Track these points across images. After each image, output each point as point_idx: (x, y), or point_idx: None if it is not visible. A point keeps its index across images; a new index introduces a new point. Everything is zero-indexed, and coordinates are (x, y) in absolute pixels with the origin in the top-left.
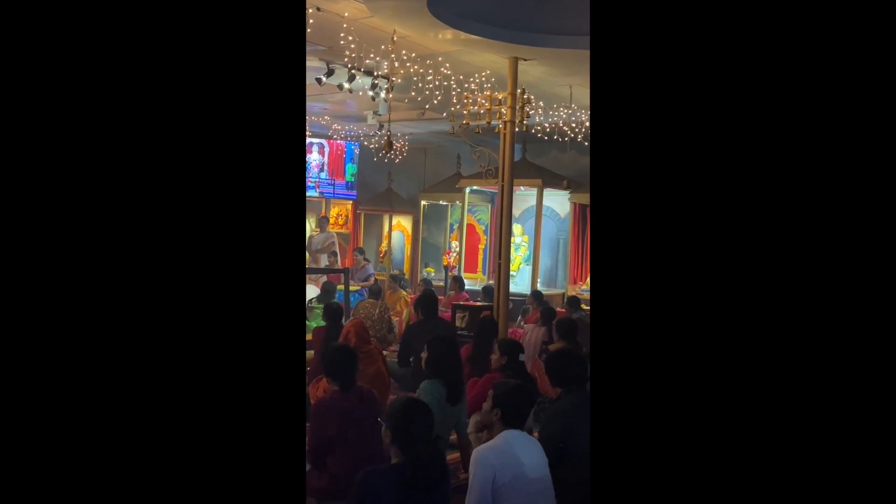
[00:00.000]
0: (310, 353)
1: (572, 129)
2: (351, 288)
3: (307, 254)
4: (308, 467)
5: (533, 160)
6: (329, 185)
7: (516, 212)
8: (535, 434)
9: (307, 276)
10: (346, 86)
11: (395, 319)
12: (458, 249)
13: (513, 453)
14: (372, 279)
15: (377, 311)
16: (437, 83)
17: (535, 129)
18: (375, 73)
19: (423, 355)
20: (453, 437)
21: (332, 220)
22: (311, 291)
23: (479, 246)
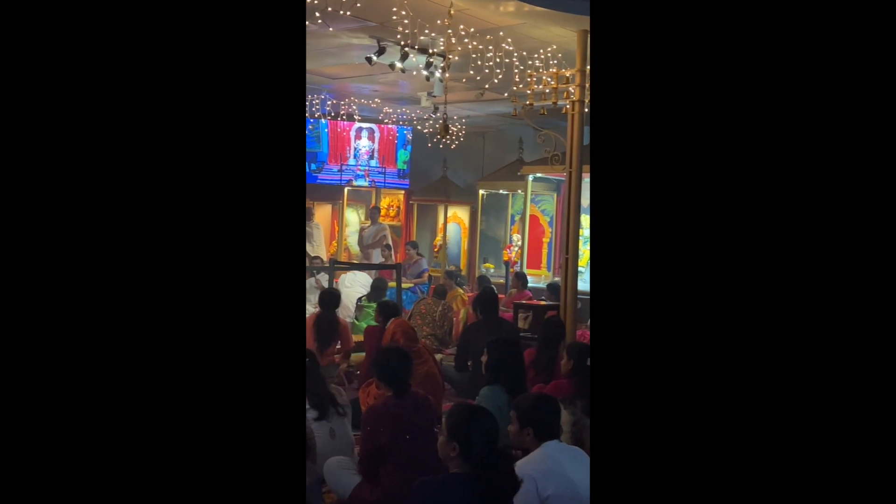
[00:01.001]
0: (360, 356)
1: None
2: (403, 285)
3: (358, 249)
4: (359, 479)
5: None
6: (379, 173)
7: (585, 201)
8: None
9: (358, 272)
10: (399, 65)
11: None
12: (520, 243)
13: (554, 464)
14: (426, 275)
15: (439, 309)
16: (497, 60)
17: None
18: (430, 51)
19: (483, 359)
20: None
21: (382, 212)
22: (364, 289)
23: (544, 239)
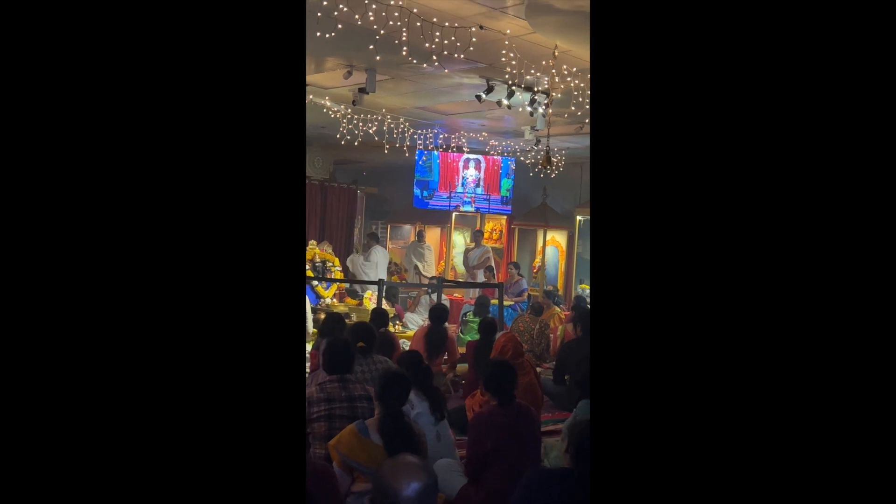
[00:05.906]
0: (463, 367)
1: None
2: (505, 303)
3: (464, 268)
4: (465, 480)
5: None
6: (484, 200)
7: None
8: None
9: (463, 290)
10: (505, 102)
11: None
12: None
13: None
14: (525, 294)
15: (537, 327)
16: None
17: None
18: (535, 89)
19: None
20: None
21: (486, 235)
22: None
23: None
